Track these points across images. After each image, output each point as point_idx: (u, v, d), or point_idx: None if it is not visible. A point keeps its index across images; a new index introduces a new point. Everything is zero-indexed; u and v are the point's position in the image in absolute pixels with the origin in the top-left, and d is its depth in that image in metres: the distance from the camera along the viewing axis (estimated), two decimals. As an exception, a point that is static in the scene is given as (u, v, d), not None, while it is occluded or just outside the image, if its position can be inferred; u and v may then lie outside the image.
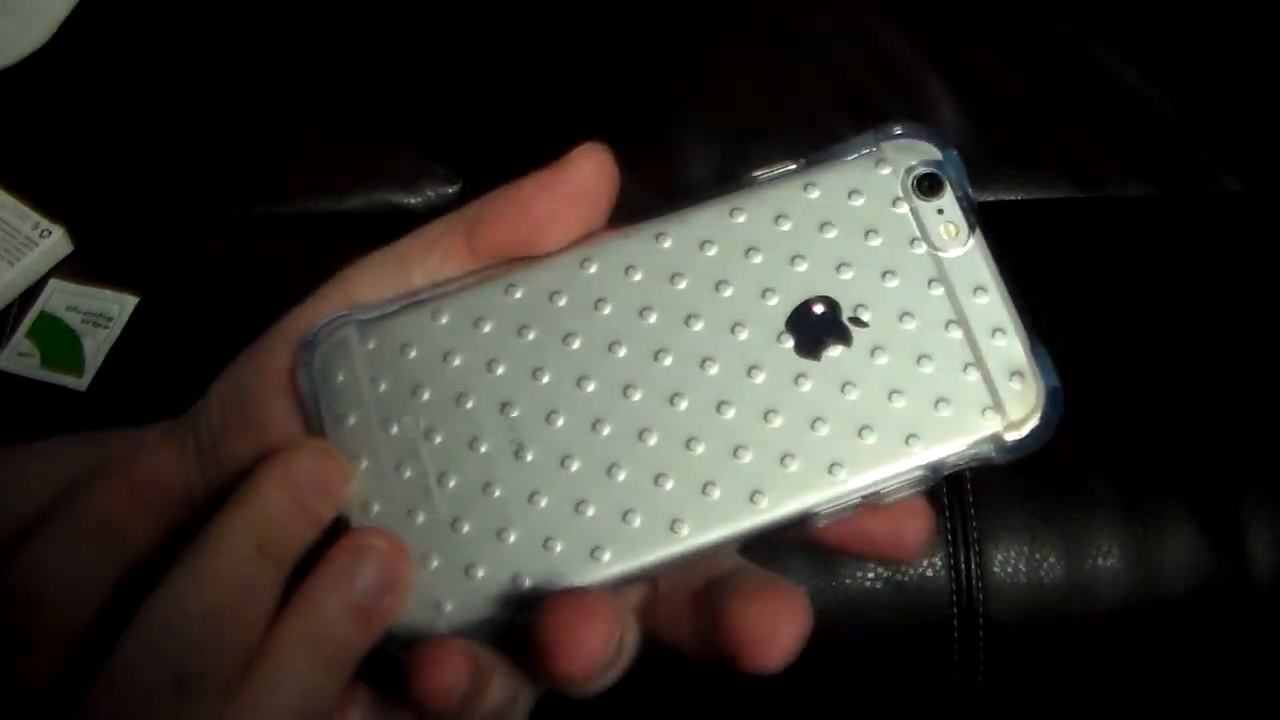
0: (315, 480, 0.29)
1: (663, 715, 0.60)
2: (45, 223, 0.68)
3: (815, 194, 0.31)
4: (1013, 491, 0.59)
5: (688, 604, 0.30)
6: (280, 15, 0.76)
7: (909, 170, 0.31)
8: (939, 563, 0.58)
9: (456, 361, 0.30)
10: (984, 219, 0.31)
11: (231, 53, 0.75)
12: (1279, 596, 0.58)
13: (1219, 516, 0.59)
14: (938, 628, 0.58)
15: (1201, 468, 0.60)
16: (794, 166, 0.31)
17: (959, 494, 0.59)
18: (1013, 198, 0.69)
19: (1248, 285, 0.65)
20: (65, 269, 0.68)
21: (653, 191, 0.31)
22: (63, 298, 0.67)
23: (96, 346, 0.64)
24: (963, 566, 0.58)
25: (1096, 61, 0.72)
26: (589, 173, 0.31)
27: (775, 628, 0.27)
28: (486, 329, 0.30)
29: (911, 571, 0.58)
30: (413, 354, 0.30)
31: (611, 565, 0.29)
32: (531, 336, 0.30)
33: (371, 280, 0.31)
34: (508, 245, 0.31)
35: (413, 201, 0.72)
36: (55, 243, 0.68)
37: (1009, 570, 0.58)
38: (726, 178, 0.32)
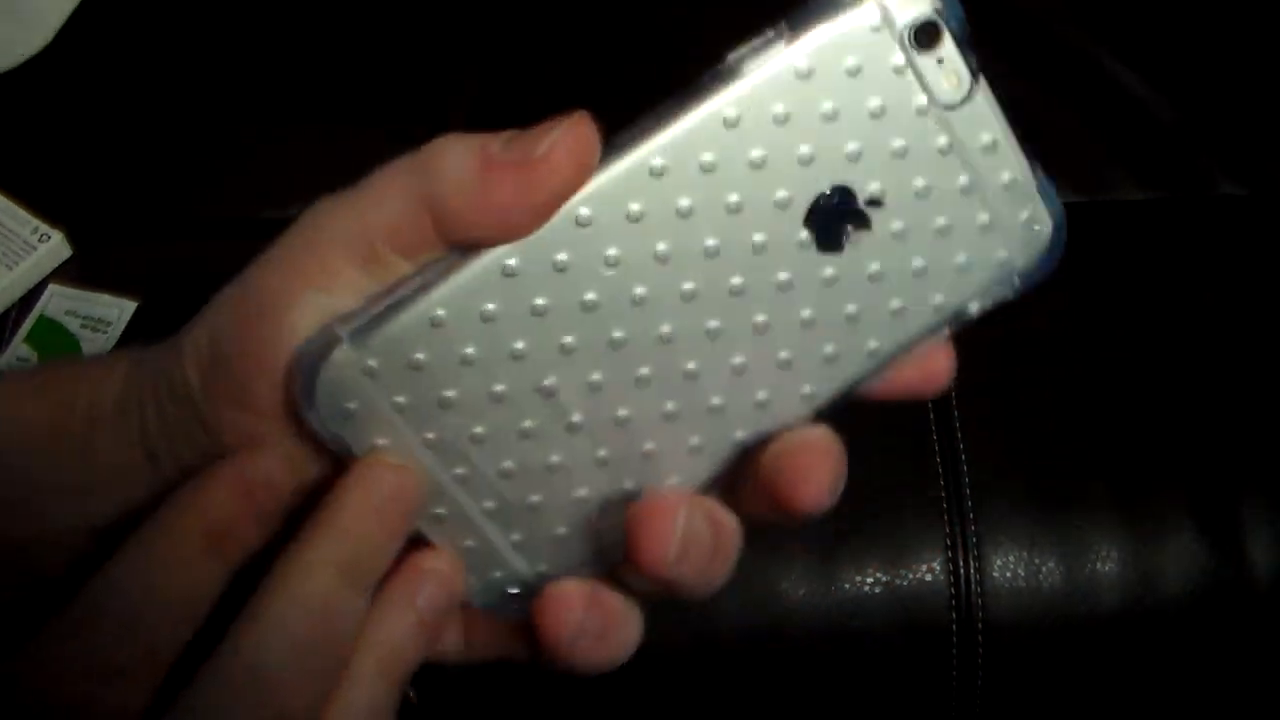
0: (398, 499, 0.28)
1: (664, 715, 0.60)
2: (44, 227, 0.68)
3: (813, 82, 0.28)
4: (1012, 496, 0.59)
5: (748, 467, 0.31)
6: (279, 18, 0.76)
7: (906, 25, 0.28)
8: (938, 567, 0.58)
9: (476, 357, 0.28)
10: (985, 61, 0.29)
11: (231, 57, 0.75)
12: (1278, 599, 0.58)
13: (1218, 520, 0.59)
14: (937, 632, 0.58)
15: (1200, 472, 0.59)
16: (773, 35, 0.29)
17: (958, 499, 0.59)
18: (1012, 200, 0.69)
19: (1247, 289, 0.64)
20: (64, 273, 0.68)
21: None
22: (61, 302, 0.67)
23: (95, 351, 0.64)
24: (962, 571, 0.58)
25: (1096, 64, 0.72)
26: (567, 169, 0.28)
27: (812, 466, 0.30)
28: (497, 318, 0.28)
29: (910, 576, 0.58)
30: (423, 359, 0.28)
31: (683, 487, 0.31)
32: (548, 316, 0.28)
33: (338, 255, 0.29)
34: (481, 240, 0.28)
35: (412, 205, 0.72)
36: (54, 247, 0.68)
37: (1008, 575, 0.58)
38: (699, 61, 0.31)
